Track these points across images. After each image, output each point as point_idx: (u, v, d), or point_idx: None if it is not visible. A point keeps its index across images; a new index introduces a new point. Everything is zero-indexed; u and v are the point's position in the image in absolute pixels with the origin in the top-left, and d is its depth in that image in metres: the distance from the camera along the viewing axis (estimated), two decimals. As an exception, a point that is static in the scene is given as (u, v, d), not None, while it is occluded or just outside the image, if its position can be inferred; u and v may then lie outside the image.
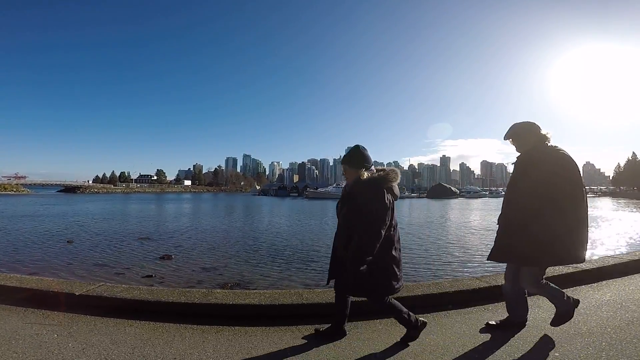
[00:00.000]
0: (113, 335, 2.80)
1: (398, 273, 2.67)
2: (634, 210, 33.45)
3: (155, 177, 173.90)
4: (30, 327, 2.92)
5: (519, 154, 2.86)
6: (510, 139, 2.87)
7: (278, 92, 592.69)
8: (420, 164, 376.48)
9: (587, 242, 2.68)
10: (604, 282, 4.17)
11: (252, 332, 2.89)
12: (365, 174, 2.65)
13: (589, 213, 2.70)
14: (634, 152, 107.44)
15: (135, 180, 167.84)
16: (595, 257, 6.07)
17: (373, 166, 2.76)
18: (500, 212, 2.89)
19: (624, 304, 3.45)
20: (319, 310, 3.22)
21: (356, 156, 2.73)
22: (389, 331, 2.92)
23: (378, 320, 3.12)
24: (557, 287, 2.83)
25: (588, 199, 2.73)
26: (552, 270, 4.29)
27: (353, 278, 2.54)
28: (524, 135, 2.80)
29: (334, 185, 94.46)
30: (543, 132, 2.76)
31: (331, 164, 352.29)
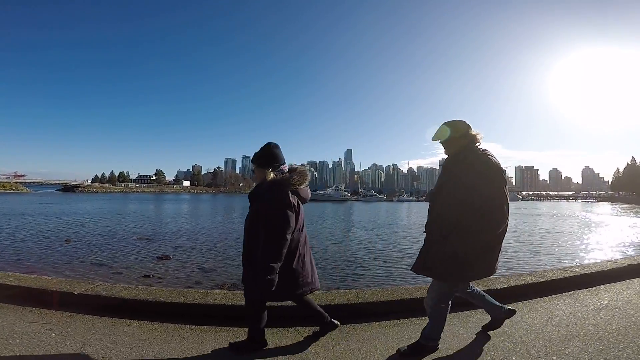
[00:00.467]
0: (111, 335, 2.79)
1: (300, 279, 2.57)
2: (632, 215, 33.51)
3: (154, 178, 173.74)
4: (28, 326, 2.91)
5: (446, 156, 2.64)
6: (439, 140, 2.60)
7: (278, 93, 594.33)
8: (419, 167, 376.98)
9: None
10: (602, 286, 4.18)
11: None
12: (272, 175, 2.54)
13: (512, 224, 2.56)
14: (633, 157, 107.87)
15: (134, 180, 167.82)
16: (593, 262, 6.08)
17: (285, 166, 2.65)
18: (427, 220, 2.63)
19: (621, 308, 3.46)
20: (317, 312, 3.22)
21: (264, 155, 2.61)
22: (387, 334, 2.92)
23: (377, 323, 3.12)
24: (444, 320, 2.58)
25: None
26: (550, 275, 4.31)
27: (258, 282, 2.43)
28: (454, 136, 2.52)
29: (333, 188, 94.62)
30: (473, 132, 2.51)
31: (330, 166, 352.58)
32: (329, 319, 2.81)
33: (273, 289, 2.40)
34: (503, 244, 2.50)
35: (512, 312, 2.82)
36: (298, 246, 2.57)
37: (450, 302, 2.58)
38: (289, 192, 2.48)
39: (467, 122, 2.55)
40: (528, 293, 3.85)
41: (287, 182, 2.50)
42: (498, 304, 2.84)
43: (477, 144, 2.51)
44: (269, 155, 2.60)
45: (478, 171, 2.37)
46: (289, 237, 2.42)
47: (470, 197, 2.33)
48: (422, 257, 2.57)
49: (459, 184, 2.41)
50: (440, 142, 2.61)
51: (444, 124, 2.59)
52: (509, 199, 2.40)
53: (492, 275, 2.57)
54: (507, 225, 2.41)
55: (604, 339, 2.76)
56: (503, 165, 2.51)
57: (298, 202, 2.55)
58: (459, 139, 2.52)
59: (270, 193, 2.47)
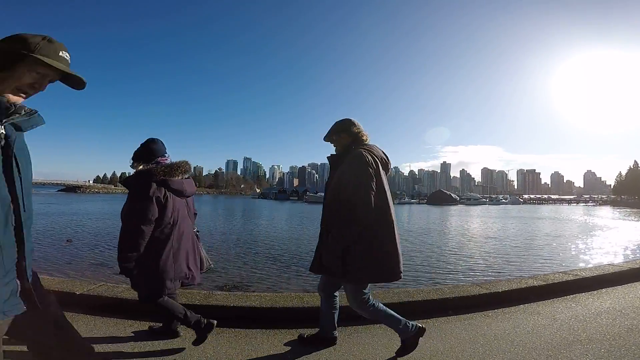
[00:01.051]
0: (113, 336, 2.79)
1: (169, 274, 2.51)
2: (634, 219, 33.38)
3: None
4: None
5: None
6: (329, 140, 2.64)
7: (279, 95, 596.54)
8: (420, 170, 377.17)
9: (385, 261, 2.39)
10: (604, 289, 4.17)
11: (253, 334, 2.89)
12: (141, 168, 2.56)
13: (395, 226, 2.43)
14: (635, 161, 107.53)
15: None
16: (595, 265, 6.06)
17: (164, 159, 2.65)
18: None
19: (623, 311, 3.45)
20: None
21: (139, 149, 2.64)
22: (389, 336, 2.91)
23: (378, 326, 3.12)
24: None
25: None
26: (551, 279, 4.30)
27: (127, 277, 2.45)
28: (340, 134, 2.56)
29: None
30: (356, 130, 2.54)
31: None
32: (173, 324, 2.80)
33: (130, 276, 2.43)
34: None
35: (332, 342, 2.69)
36: (170, 240, 2.53)
37: (371, 298, 2.51)
38: (153, 183, 2.46)
39: (353, 120, 2.59)
40: (530, 296, 3.84)
41: (149, 172, 2.50)
42: (335, 326, 2.73)
43: (362, 141, 2.55)
44: (142, 150, 2.64)
45: (349, 166, 2.39)
46: (145, 228, 2.38)
47: (342, 193, 2.36)
48: (317, 255, 2.56)
49: (337, 180, 2.44)
50: (330, 142, 2.66)
51: (334, 123, 2.63)
52: (372, 193, 2.31)
53: (393, 280, 2.45)
54: (387, 223, 2.38)
55: (605, 342, 2.75)
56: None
57: (167, 193, 2.52)
58: (344, 137, 2.56)
59: (132, 185, 2.49)
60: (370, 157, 2.39)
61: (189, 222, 2.77)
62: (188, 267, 2.67)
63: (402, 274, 2.46)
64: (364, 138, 2.57)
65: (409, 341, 2.53)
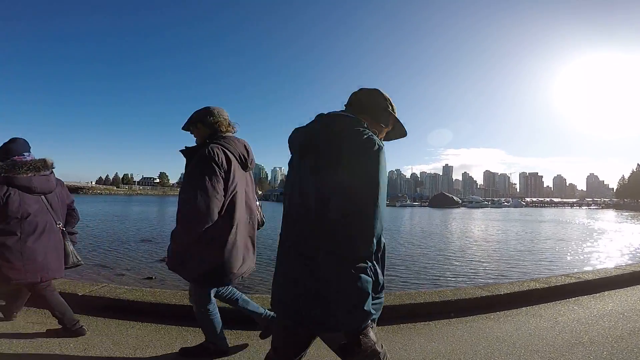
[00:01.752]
0: (115, 336, 2.80)
1: (18, 264, 2.58)
2: (637, 222, 33.24)
3: (157, 180, 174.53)
4: (32, 327, 2.93)
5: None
6: (188, 130, 2.45)
7: (280, 95, 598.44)
8: (422, 173, 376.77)
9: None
10: (606, 292, 4.16)
11: (254, 336, 2.89)
12: None
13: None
14: (638, 164, 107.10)
15: (138, 183, 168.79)
16: (597, 268, 6.04)
17: (21, 157, 2.72)
18: None
19: (625, 314, 3.44)
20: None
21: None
22: (390, 338, 2.92)
23: (379, 327, 3.11)
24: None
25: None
26: (554, 281, 4.29)
27: None
28: (197, 125, 2.37)
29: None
30: (215, 120, 2.32)
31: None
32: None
33: None
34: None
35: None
36: (15, 234, 2.61)
37: (210, 307, 2.44)
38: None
39: (212, 109, 2.36)
40: (532, 299, 3.83)
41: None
42: (261, 310, 2.71)
43: (222, 133, 2.35)
44: (1, 149, 2.76)
45: (195, 164, 2.18)
46: None
47: (183, 192, 2.20)
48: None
49: (186, 177, 2.28)
50: (190, 132, 2.46)
51: (194, 112, 2.43)
52: (214, 196, 2.12)
53: (228, 282, 2.43)
54: (228, 226, 2.25)
55: (607, 344, 2.74)
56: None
57: (10, 190, 2.60)
58: (200, 128, 2.36)
59: None
60: (222, 155, 2.19)
61: (49, 218, 2.81)
62: (46, 261, 2.74)
63: (235, 280, 2.42)
64: (223, 129, 2.35)
65: (209, 349, 2.50)
